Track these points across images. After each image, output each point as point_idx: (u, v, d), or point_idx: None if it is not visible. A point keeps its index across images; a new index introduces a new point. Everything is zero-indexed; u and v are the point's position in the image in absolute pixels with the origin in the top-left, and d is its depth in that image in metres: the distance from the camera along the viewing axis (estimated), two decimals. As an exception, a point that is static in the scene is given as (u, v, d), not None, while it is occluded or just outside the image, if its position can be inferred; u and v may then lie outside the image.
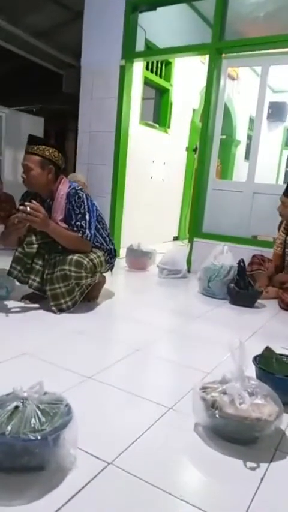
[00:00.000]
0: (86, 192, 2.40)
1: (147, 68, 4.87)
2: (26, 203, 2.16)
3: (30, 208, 2.13)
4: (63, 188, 2.36)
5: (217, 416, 1.21)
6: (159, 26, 4.45)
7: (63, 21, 5.37)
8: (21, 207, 2.15)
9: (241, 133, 6.92)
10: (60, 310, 2.32)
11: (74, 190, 2.35)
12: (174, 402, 1.44)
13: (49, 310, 2.34)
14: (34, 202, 2.19)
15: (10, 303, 2.42)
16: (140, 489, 1.02)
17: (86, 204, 2.34)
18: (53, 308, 2.32)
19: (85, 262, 2.27)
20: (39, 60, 6.20)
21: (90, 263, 2.30)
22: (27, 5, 5.05)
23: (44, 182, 2.32)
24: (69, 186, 2.38)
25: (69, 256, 2.27)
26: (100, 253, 2.44)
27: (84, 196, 2.35)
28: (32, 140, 2.33)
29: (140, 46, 4.22)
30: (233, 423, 1.20)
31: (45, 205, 2.33)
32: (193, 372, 1.71)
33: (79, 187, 2.39)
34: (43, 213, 2.18)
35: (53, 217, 2.32)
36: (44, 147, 2.29)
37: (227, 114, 6.11)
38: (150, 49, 4.43)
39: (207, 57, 3.85)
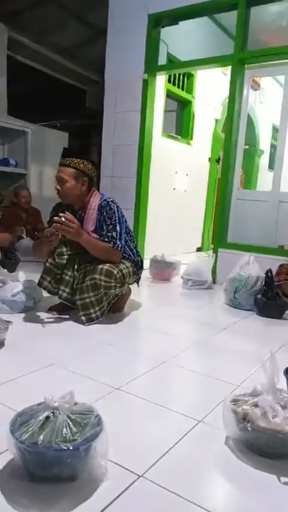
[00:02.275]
0: (117, 204, 2.44)
1: (169, 81, 4.92)
2: (61, 214, 2.21)
3: (65, 219, 2.18)
4: (95, 200, 2.41)
5: (249, 429, 1.18)
6: (181, 39, 4.50)
7: (86, 39, 5.51)
8: (55, 218, 2.20)
9: (264, 142, 6.87)
10: (89, 320, 2.34)
11: (105, 202, 2.39)
12: (204, 415, 1.42)
13: (76, 321, 2.36)
14: (67, 213, 2.24)
15: (38, 314, 2.45)
16: (172, 502, 1.01)
17: (117, 215, 2.38)
18: (82, 318, 2.33)
19: (115, 272, 2.30)
20: (63, 77, 6.37)
21: (120, 273, 2.32)
22: (52, 24, 5.21)
23: (77, 194, 2.38)
24: (101, 198, 2.43)
25: (100, 266, 2.30)
26: (128, 264, 2.46)
27: (116, 208, 2.39)
28: (67, 153, 2.39)
29: (162, 60, 4.29)
30: (266, 437, 1.17)
31: (77, 216, 2.37)
32: (222, 384, 1.69)
33: (111, 199, 2.43)
34: (77, 223, 2.23)
35: (85, 228, 2.36)
36: (78, 159, 2.35)
37: (250, 123, 6.08)
38: (173, 62, 4.48)
39: (229, 68, 3.87)
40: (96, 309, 2.35)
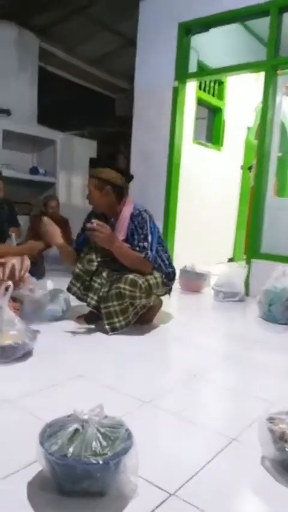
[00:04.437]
0: (150, 214, 2.42)
1: (200, 88, 4.90)
2: (93, 220, 2.24)
3: (97, 225, 2.20)
4: (127, 209, 2.41)
5: (287, 449, 1.11)
6: (211, 46, 4.47)
7: (116, 48, 5.58)
8: (88, 225, 2.24)
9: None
10: (113, 329, 2.31)
11: (137, 211, 2.39)
12: (238, 433, 1.35)
13: (104, 331, 2.32)
14: (98, 221, 2.26)
15: (65, 323, 2.44)
16: (206, 526, 0.96)
17: (148, 225, 2.36)
18: (106, 327, 2.30)
19: (140, 281, 2.27)
20: (93, 86, 6.46)
21: (146, 283, 2.29)
22: (82, 34, 5.31)
23: (104, 203, 2.41)
24: (134, 207, 2.42)
25: (125, 275, 2.28)
26: (157, 274, 2.42)
27: (148, 218, 2.38)
28: (92, 163, 2.46)
29: (192, 67, 4.27)
30: (306, 458, 1.10)
31: (109, 224, 2.38)
32: (256, 401, 1.62)
33: (143, 209, 2.42)
34: (108, 230, 2.24)
35: (115, 237, 2.36)
36: (101, 169, 2.39)
37: (283, 130, 5.97)
38: (203, 69, 4.45)
39: (261, 74, 3.81)
40: (121, 318, 2.31)
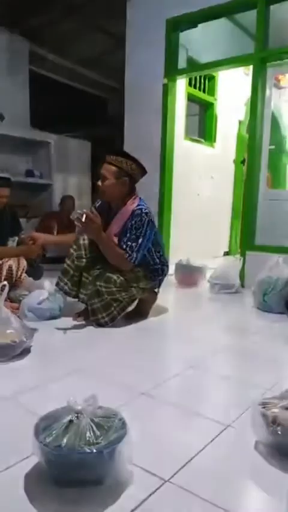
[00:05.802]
0: (151, 218, 2.37)
1: (190, 84, 4.90)
2: (84, 210, 2.23)
3: (86, 217, 2.18)
4: (131, 204, 2.38)
5: (279, 432, 1.13)
6: (200, 41, 4.48)
7: (106, 48, 5.59)
8: (78, 211, 2.23)
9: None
10: (99, 325, 2.34)
11: (139, 211, 2.34)
12: (233, 419, 1.37)
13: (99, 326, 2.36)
14: (94, 210, 2.26)
15: (62, 321, 2.46)
16: (200, 508, 0.97)
17: (144, 228, 2.32)
18: (93, 322, 2.35)
19: (114, 277, 2.28)
20: (85, 87, 6.47)
21: (120, 278, 2.29)
22: (72, 36, 5.32)
23: (116, 193, 2.36)
24: (138, 205, 2.38)
25: (103, 273, 2.30)
26: (139, 268, 2.40)
27: (146, 221, 2.33)
28: (113, 150, 2.40)
29: (182, 63, 4.28)
30: (297, 440, 1.12)
31: (112, 215, 2.39)
32: (251, 389, 1.63)
33: (145, 210, 2.36)
34: (97, 223, 2.22)
35: (110, 229, 2.36)
36: (122, 158, 2.34)
37: (275, 123, 5.97)
38: (193, 65, 4.46)
39: (251, 68, 3.82)
40: (104, 314, 2.33)
